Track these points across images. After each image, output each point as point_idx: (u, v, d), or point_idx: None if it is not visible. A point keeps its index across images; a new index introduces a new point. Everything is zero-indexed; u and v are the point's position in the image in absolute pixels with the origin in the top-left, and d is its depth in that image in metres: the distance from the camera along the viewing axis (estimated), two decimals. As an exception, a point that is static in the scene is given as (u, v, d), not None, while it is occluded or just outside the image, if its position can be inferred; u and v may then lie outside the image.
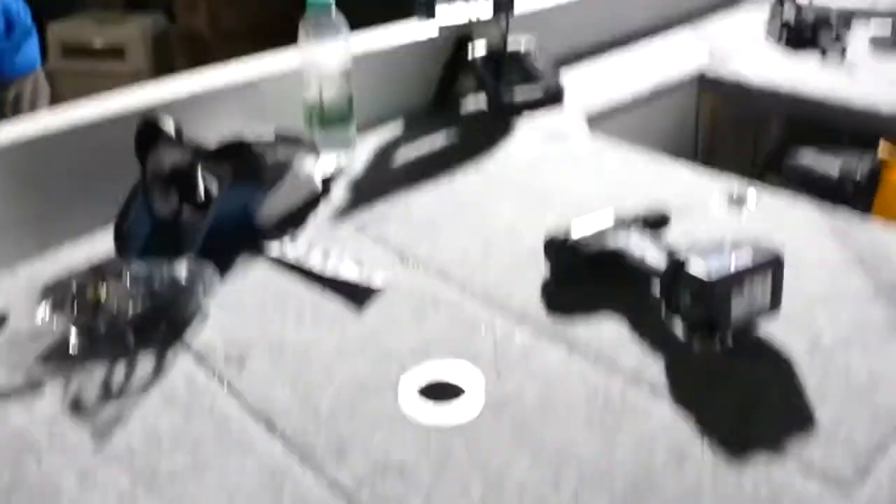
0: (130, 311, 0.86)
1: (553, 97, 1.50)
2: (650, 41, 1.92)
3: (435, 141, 1.36)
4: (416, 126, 1.42)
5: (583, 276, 0.96)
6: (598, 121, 1.52)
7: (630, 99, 1.61)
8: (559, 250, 0.97)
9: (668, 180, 1.22)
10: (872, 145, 1.59)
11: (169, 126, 1.03)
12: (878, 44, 1.86)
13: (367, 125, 1.38)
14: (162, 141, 1.03)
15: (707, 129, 1.87)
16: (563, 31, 1.76)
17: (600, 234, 0.97)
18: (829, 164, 1.62)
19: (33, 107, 2.32)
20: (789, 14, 1.92)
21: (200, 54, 5.41)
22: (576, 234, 0.97)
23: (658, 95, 1.68)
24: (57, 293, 0.89)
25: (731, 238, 0.86)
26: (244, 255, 1.03)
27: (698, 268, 0.81)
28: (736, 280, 0.80)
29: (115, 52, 4.75)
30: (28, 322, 0.90)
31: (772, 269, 0.81)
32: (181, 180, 1.03)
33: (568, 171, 1.25)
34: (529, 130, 1.41)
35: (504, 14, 1.46)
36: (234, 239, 1.04)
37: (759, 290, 0.80)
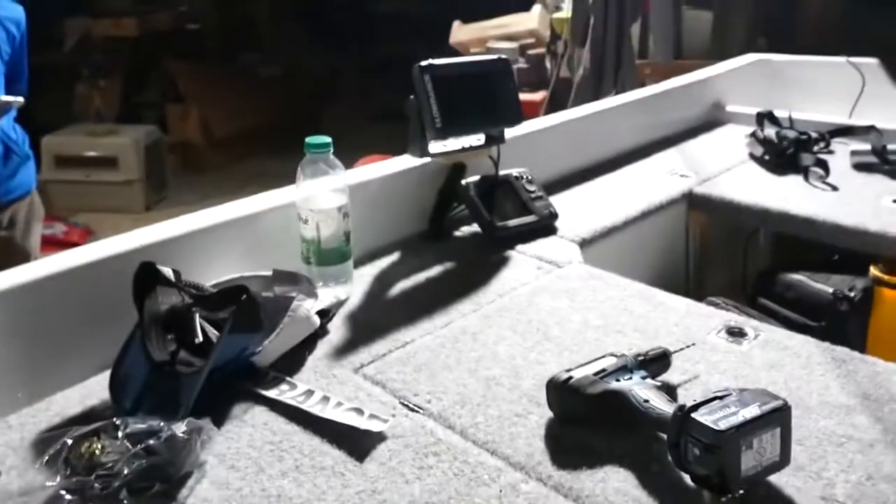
0: (125, 470, 0.83)
1: (546, 225, 1.52)
2: (638, 162, 1.96)
3: (431, 273, 1.37)
4: (413, 257, 1.43)
5: (586, 419, 0.95)
6: (591, 242, 1.54)
7: (621, 220, 1.63)
8: (561, 393, 0.96)
9: (665, 311, 1.22)
10: (862, 261, 1.61)
11: (167, 271, 1.04)
12: (859, 160, 1.90)
13: (365, 254, 1.39)
14: (160, 286, 1.03)
15: (697, 245, 1.89)
16: (552, 154, 1.80)
17: (602, 375, 0.96)
18: (822, 283, 1.64)
19: (28, 228, 2.33)
20: (770, 133, 1.98)
21: (192, 161, 5.53)
22: (577, 375, 0.96)
23: (648, 214, 1.70)
24: (50, 449, 0.87)
25: (735, 384, 0.86)
26: (242, 400, 1.01)
27: (706, 419, 0.80)
28: (745, 431, 0.79)
29: (108, 162, 4.82)
30: (20, 480, 0.87)
31: (781, 422, 0.80)
32: (179, 325, 1.02)
33: (564, 303, 1.25)
34: (524, 260, 1.42)
35: (496, 144, 1.50)
36: (232, 383, 1.02)
37: (769, 443, 0.79)
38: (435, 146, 1.41)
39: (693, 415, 0.81)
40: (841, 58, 2.51)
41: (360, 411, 0.97)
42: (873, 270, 1.57)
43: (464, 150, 1.48)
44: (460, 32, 4.45)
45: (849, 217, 1.59)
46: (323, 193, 1.22)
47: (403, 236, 1.49)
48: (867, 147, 1.91)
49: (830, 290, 1.62)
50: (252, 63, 6.47)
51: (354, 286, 1.29)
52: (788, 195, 1.73)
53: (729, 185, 1.80)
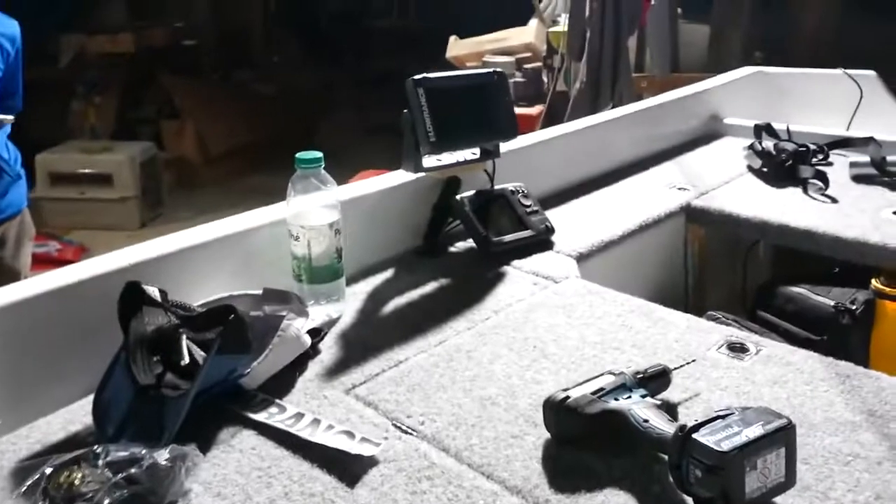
0: (106, 500, 0.80)
1: (542, 240, 1.49)
2: (635, 175, 1.94)
3: (425, 290, 1.34)
4: (406, 273, 1.40)
5: (584, 439, 0.92)
6: (588, 257, 1.52)
7: (619, 235, 1.61)
8: (558, 413, 0.93)
9: (665, 327, 1.20)
10: (863, 274, 1.58)
11: (153, 291, 1.01)
12: (858, 172, 1.88)
13: (358, 271, 1.37)
14: (146, 306, 1.01)
15: (696, 259, 1.87)
16: (548, 168, 1.78)
17: (600, 394, 0.93)
18: (822, 296, 1.61)
19: (18, 248, 2.31)
20: (768, 145, 1.96)
21: (188, 178, 5.52)
22: (574, 395, 0.93)
23: (646, 228, 1.68)
24: (28, 479, 0.84)
25: (737, 401, 0.83)
26: (229, 424, 0.98)
27: (708, 439, 0.77)
28: (749, 452, 0.76)
29: (103, 179, 4.80)
30: (-3, 510, 0.84)
31: (785, 441, 0.77)
32: (165, 346, 0.99)
33: (560, 319, 1.23)
34: (520, 275, 1.39)
35: (491, 158, 1.47)
36: (219, 406, 1.00)
37: (774, 463, 0.77)
38: (429, 160, 1.38)
39: (694, 435, 0.78)
40: (838, 70, 2.50)
41: (351, 434, 0.94)
42: (874, 283, 1.54)
43: (458, 164, 1.46)
44: (456, 47, 4.44)
45: (849, 229, 1.57)
46: (314, 210, 1.19)
47: (397, 252, 1.47)
48: (866, 159, 1.89)
49: (831, 303, 1.59)
50: (247, 79, 6.47)
51: (347, 304, 1.27)
52: (787, 208, 1.70)
53: (727, 198, 1.78)
